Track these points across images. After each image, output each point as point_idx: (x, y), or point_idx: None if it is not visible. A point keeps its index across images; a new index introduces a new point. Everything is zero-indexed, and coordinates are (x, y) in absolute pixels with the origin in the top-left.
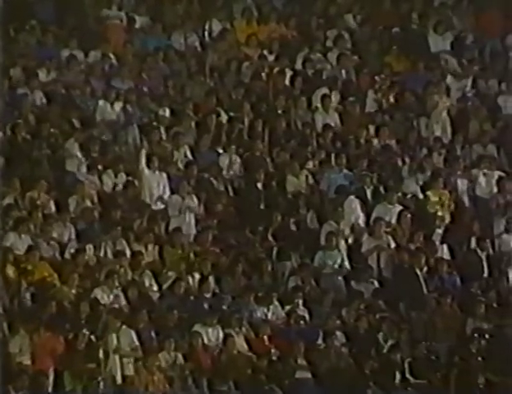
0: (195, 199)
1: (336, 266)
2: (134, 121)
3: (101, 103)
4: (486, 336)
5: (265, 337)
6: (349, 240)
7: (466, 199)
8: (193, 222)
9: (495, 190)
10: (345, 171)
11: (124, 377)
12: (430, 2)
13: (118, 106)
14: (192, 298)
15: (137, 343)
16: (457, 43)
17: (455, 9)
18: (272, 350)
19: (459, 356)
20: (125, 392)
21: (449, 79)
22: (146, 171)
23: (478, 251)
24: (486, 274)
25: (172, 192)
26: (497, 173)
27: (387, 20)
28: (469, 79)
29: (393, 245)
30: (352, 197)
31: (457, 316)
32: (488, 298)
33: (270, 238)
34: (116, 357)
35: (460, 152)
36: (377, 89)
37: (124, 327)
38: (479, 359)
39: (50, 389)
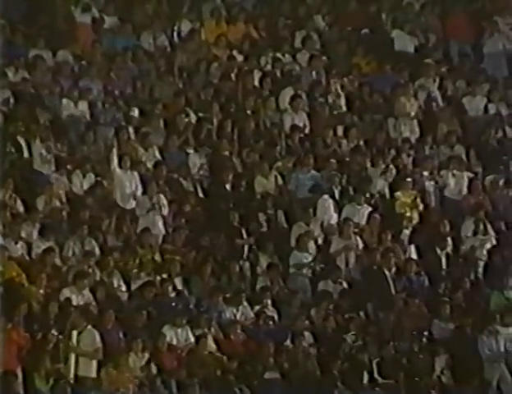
0: (164, 200)
1: (305, 266)
2: (103, 121)
3: (69, 102)
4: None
5: (234, 338)
6: (319, 241)
7: (434, 200)
8: (161, 222)
9: (464, 190)
10: (314, 171)
11: (87, 377)
12: (398, 3)
13: (87, 106)
14: (160, 299)
15: (99, 345)
16: (425, 44)
17: (423, 10)
18: (241, 351)
19: (427, 356)
20: (92, 392)
21: (416, 80)
22: (118, 170)
23: (446, 252)
24: (453, 275)
25: (141, 192)
26: (466, 174)
27: (356, 22)
28: (437, 80)
29: (361, 245)
30: (325, 196)
31: (424, 316)
32: (454, 299)
33: (239, 239)
34: (74, 356)
35: (428, 153)
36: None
37: (89, 327)
38: (445, 358)
39: (20, 389)
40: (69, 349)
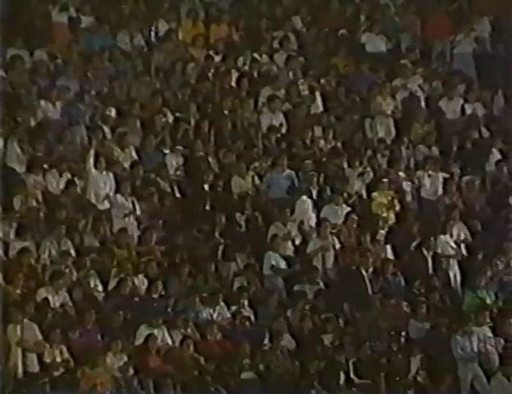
0: (141, 200)
1: (282, 267)
2: (80, 121)
3: (46, 102)
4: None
5: (211, 338)
6: (297, 241)
7: (411, 200)
8: (138, 222)
9: (440, 191)
10: (291, 172)
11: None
12: (376, 4)
13: (63, 105)
14: (137, 299)
15: (40, 337)
16: (402, 45)
17: (401, 11)
18: (218, 351)
19: (403, 356)
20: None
21: (393, 80)
22: (93, 170)
23: (422, 252)
24: (429, 275)
25: (117, 192)
26: (442, 175)
27: (333, 22)
28: (414, 80)
29: (338, 245)
30: (304, 197)
31: (401, 316)
32: (430, 298)
33: (216, 239)
34: (20, 350)
35: (404, 153)
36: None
37: (25, 320)
38: (421, 358)
39: None
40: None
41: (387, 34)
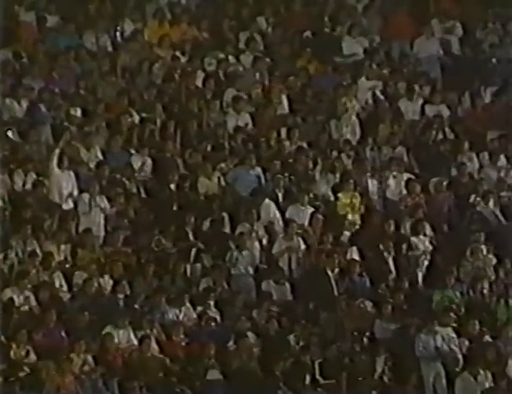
0: (106, 200)
1: (248, 267)
2: (46, 121)
3: (11, 101)
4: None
5: (176, 339)
6: (264, 241)
7: (376, 201)
8: (104, 222)
9: (404, 191)
10: (257, 172)
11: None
12: (341, 5)
13: (29, 105)
14: (103, 299)
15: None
16: (366, 46)
17: (365, 12)
18: (183, 352)
19: (368, 357)
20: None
21: (358, 82)
22: (56, 170)
23: (388, 253)
24: (394, 276)
25: (82, 192)
26: (406, 175)
27: (299, 23)
28: (378, 81)
29: (304, 246)
30: (267, 200)
31: (366, 317)
32: (396, 299)
33: (182, 239)
34: None
35: (369, 154)
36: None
37: None
38: (386, 358)
39: None
40: None
41: (352, 35)
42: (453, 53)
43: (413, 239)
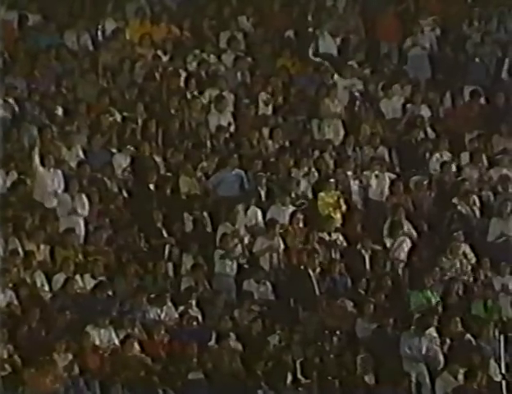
0: (87, 200)
1: (230, 267)
2: (27, 120)
3: None
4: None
5: (158, 338)
6: (246, 241)
7: (358, 201)
8: (84, 222)
9: (386, 191)
10: (239, 172)
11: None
12: (322, 4)
13: (10, 104)
14: (84, 299)
15: None
16: (348, 45)
17: (347, 12)
18: (165, 352)
19: (350, 356)
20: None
21: (340, 81)
22: (40, 168)
23: (368, 252)
24: (375, 275)
25: (64, 191)
26: (388, 175)
27: (281, 23)
28: (360, 81)
29: (285, 246)
30: (253, 207)
31: (347, 316)
32: (377, 298)
33: (163, 239)
34: None
35: (351, 153)
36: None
37: None
38: (367, 358)
39: None
40: None
41: (334, 35)
42: (435, 53)
43: (393, 238)
